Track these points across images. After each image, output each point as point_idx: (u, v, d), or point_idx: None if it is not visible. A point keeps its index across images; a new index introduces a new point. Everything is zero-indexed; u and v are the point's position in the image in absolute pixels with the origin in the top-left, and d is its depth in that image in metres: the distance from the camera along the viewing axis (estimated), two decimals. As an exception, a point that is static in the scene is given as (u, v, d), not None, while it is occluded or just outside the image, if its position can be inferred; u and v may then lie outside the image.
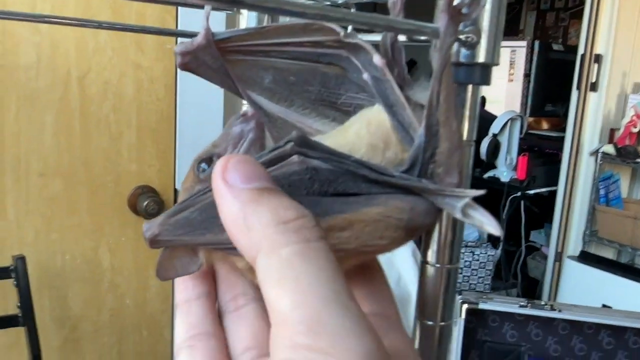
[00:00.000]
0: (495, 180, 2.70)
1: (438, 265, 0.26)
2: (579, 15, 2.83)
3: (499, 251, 2.65)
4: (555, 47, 3.11)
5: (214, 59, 0.27)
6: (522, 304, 0.84)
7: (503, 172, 2.73)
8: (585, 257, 2.37)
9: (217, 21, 0.33)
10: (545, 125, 3.12)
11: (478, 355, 0.88)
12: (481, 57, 0.25)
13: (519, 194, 2.63)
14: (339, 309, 0.19)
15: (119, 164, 1.32)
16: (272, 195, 0.21)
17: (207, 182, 0.25)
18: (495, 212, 2.70)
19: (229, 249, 0.22)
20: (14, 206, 1.24)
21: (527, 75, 3.10)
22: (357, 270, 0.25)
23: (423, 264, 0.27)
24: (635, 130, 2.29)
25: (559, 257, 2.46)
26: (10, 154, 1.22)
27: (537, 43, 3.07)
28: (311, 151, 0.22)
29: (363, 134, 0.26)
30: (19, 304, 1.17)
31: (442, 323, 0.26)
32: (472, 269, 2.60)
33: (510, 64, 3.15)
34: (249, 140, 0.26)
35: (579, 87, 2.38)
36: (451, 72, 0.22)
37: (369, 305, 0.25)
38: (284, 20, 0.30)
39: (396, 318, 0.25)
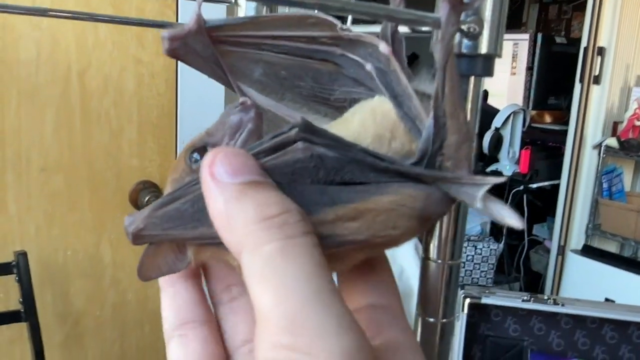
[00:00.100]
0: (497, 174, 2.69)
1: (439, 262, 0.26)
2: (581, 8, 2.81)
3: (501, 245, 2.65)
4: (558, 40, 3.09)
5: (204, 47, 0.26)
6: (524, 298, 0.84)
7: (505, 165, 2.73)
8: (588, 251, 2.37)
9: (217, 15, 0.32)
10: (548, 119, 3.11)
11: (480, 350, 0.88)
12: (483, 48, 0.24)
13: (521, 187, 2.62)
14: (319, 307, 0.18)
15: (120, 159, 1.32)
16: (257, 190, 0.20)
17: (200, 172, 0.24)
18: (497, 206, 2.68)
19: (222, 243, 0.21)
20: (15, 202, 1.24)
21: (529, 69, 3.09)
22: (362, 261, 0.25)
23: (424, 260, 0.27)
24: (638, 123, 2.28)
25: (561, 250, 2.46)
26: (11, 150, 1.22)
27: (539, 36, 3.05)
28: (316, 138, 0.21)
29: (368, 123, 0.25)
30: (21, 300, 1.17)
31: (444, 320, 0.26)
32: (475, 263, 2.60)
33: (513, 57, 3.13)
34: (247, 131, 0.25)
35: (581, 80, 2.37)
36: (455, 63, 0.21)
37: (371, 296, 0.24)
38: (283, 10, 0.29)
39: (399, 310, 0.24)
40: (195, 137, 0.26)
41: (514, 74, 3.16)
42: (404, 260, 1.17)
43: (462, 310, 0.85)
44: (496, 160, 2.74)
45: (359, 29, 0.25)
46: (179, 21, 1.30)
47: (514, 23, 3.76)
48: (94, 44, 1.25)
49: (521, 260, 2.79)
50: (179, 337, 0.25)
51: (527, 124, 2.81)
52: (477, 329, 0.87)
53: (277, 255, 0.19)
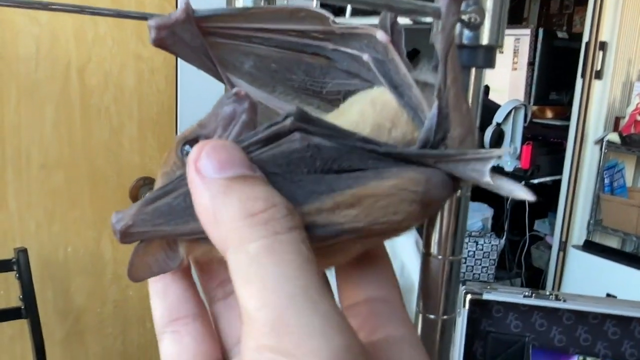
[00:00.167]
0: (499, 170, 2.68)
1: (440, 257, 0.25)
2: (583, 3, 2.80)
3: (502, 241, 2.65)
4: (560, 34, 3.08)
5: (193, 37, 0.25)
6: (526, 294, 0.84)
7: (507, 161, 2.72)
8: (590, 246, 2.36)
9: (216, 5, 0.32)
10: (549, 114, 3.10)
11: (482, 346, 0.88)
12: (485, 39, 0.24)
13: (522, 183, 2.62)
14: (305, 307, 0.18)
15: (120, 156, 1.31)
16: (244, 184, 0.20)
17: None
18: (499, 202, 2.69)
19: None
20: (15, 199, 1.23)
21: (531, 64, 3.07)
22: (360, 253, 0.24)
23: (425, 255, 0.26)
24: (640, 118, 2.27)
25: (563, 246, 2.45)
26: (11, 146, 1.22)
27: (541, 31, 3.04)
28: (312, 127, 0.21)
29: (368, 113, 0.24)
30: (21, 297, 1.17)
31: (445, 317, 0.25)
32: (476, 259, 2.60)
33: (514, 53, 3.12)
34: (241, 122, 0.24)
35: (583, 75, 2.36)
36: (457, 53, 0.21)
37: (370, 290, 0.24)
38: (282, 1, 0.28)
39: (399, 303, 0.24)
40: (187, 128, 0.25)
41: (515, 69, 3.15)
42: (405, 256, 1.17)
43: (464, 306, 0.84)
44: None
45: (358, 21, 0.25)
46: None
47: (515, 18, 3.74)
48: (94, 40, 1.25)
49: (522, 256, 2.79)
50: (171, 333, 0.24)
51: (528, 119, 2.80)
52: (479, 325, 0.87)
53: (262, 254, 0.18)
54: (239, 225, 0.19)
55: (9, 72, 1.19)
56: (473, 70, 0.24)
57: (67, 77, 1.24)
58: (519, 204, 2.68)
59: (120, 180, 1.32)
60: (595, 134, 2.38)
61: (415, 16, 0.27)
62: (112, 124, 1.29)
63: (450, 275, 0.25)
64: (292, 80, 0.26)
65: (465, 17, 0.24)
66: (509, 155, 2.73)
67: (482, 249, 2.59)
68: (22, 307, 1.17)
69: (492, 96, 2.96)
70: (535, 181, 2.66)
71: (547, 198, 2.73)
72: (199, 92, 1.32)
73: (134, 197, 1.33)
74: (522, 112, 2.74)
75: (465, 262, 2.58)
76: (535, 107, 3.05)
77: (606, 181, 2.37)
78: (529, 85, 3.11)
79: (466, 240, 2.59)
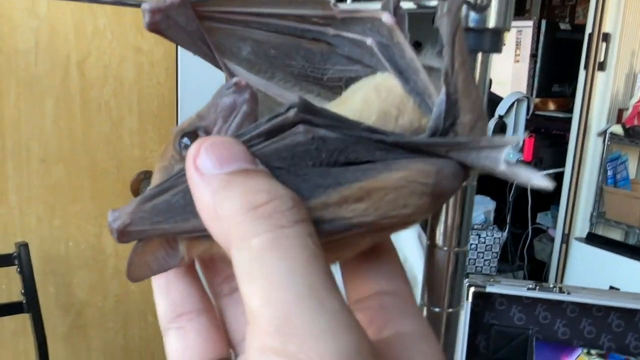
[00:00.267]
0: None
1: (446, 249, 0.24)
2: (586, -6, 2.78)
3: (505, 234, 2.64)
4: (563, 26, 3.06)
5: (189, 21, 0.24)
6: (530, 286, 0.83)
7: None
8: (593, 239, 2.35)
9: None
10: (551, 106, 3.08)
11: (485, 339, 0.87)
12: (492, 22, 0.23)
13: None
14: (312, 306, 0.17)
15: (120, 150, 1.31)
16: (244, 178, 0.19)
17: None
18: (501, 195, 2.68)
19: None
20: (16, 193, 1.23)
21: (533, 56, 3.05)
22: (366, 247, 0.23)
23: (430, 247, 0.25)
24: (644, 110, 2.26)
25: (566, 238, 2.45)
26: (11, 141, 1.21)
27: (543, 22, 3.02)
28: (316, 118, 0.20)
29: (372, 100, 0.23)
30: (22, 291, 1.16)
31: (450, 310, 0.25)
32: (478, 252, 2.59)
33: (517, 45, 3.10)
34: (242, 113, 0.23)
35: (586, 67, 2.34)
36: (464, 36, 0.20)
37: (378, 283, 0.23)
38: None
39: (408, 296, 0.23)
40: (185, 120, 0.24)
41: (518, 61, 3.13)
42: (407, 249, 1.16)
43: (467, 299, 0.84)
44: (500, 149, 2.72)
45: (360, 5, 0.24)
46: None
47: (517, 10, 3.72)
48: (93, 33, 1.24)
49: (525, 249, 2.78)
50: (176, 329, 0.24)
51: (531, 111, 2.79)
52: (482, 318, 0.86)
53: (266, 249, 0.17)
54: (242, 220, 0.18)
55: (8, 66, 1.19)
56: (480, 54, 0.23)
57: (67, 71, 1.23)
58: (522, 196, 2.67)
59: (121, 174, 1.32)
60: (598, 126, 2.37)
61: (420, -1, 0.26)
62: (112, 117, 1.29)
63: (456, 267, 0.24)
64: (291, 67, 0.26)
65: (471, -1, 0.23)
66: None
67: (484, 242, 2.59)
68: (24, 302, 1.17)
69: (495, 88, 2.94)
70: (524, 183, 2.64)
71: (549, 190, 2.72)
72: (200, 84, 1.32)
73: (135, 191, 1.33)
74: (524, 105, 2.73)
75: (467, 255, 2.57)
76: (537, 99, 3.03)
77: (609, 173, 2.36)
78: (531, 77, 3.10)
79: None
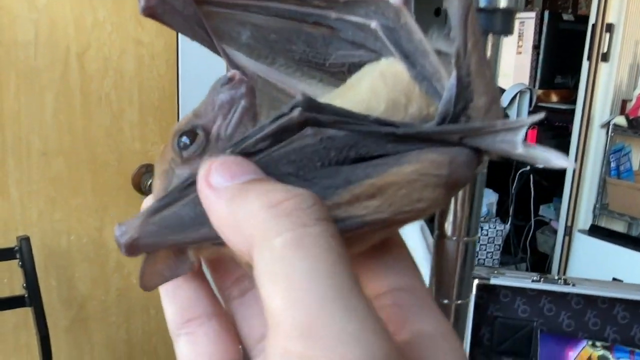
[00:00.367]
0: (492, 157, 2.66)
1: (455, 239, 0.24)
2: (589, -16, 2.76)
3: (507, 226, 2.63)
4: (565, 17, 3.04)
5: (185, 5, 0.24)
6: (534, 278, 0.83)
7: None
8: (596, 231, 2.35)
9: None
10: (554, 98, 3.07)
11: (489, 331, 0.87)
12: (503, 2, 0.22)
13: (528, 168, 2.60)
14: (338, 309, 0.16)
15: (121, 143, 1.30)
16: (258, 182, 0.18)
17: (192, 162, 0.22)
18: (504, 187, 2.67)
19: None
20: (17, 187, 1.23)
21: (536, 47, 3.04)
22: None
23: (439, 237, 0.25)
24: (647, 101, 2.24)
25: (568, 230, 2.44)
26: (11, 134, 1.20)
27: (546, 13, 3.00)
28: (322, 115, 0.19)
29: (379, 88, 0.22)
30: (24, 285, 1.16)
31: (459, 301, 0.24)
32: (481, 244, 2.59)
33: (519, 36, 3.08)
34: (240, 109, 0.22)
35: (589, 58, 2.33)
36: (476, 16, 0.19)
37: (391, 279, 0.21)
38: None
39: (424, 291, 0.22)
40: (182, 119, 0.23)
41: (520, 53, 3.11)
42: (410, 241, 1.15)
43: (471, 291, 0.83)
44: (502, 141, 2.71)
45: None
46: None
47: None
48: (93, 25, 1.23)
49: (527, 241, 2.78)
50: (186, 335, 0.23)
51: (533, 103, 2.77)
52: (486, 310, 0.86)
53: (289, 248, 0.17)
54: (262, 219, 0.17)
55: (7, 59, 1.18)
56: (490, 36, 0.22)
57: (67, 63, 1.22)
58: (524, 188, 2.66)
59: (122, 167, 1.31)
60: (601, 118, 2.36)
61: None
62: (112, 110, 1.28)
63: (465, 257, 0.23)
64: (292, 52, 0.25)
65: (482, -21, 0.22)
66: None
67: (487, 234, 2.59)
68: (26, 296, 1.16)
69: (497, 81, 2.92)
70: (541, 166, 2.64)
71: (552, 183, 2.71)
72: (201, 76, 1.31)
73: (137, 185, 1.32)
74: (527, 96, 2.71)
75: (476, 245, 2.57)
76: (540, 91, 3.02)
77: (612, 165, 2.35)
78: (534, 68, 3.08)
79: (471, 225, 2.58)
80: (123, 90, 1.28)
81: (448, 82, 0.20)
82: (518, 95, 2.68)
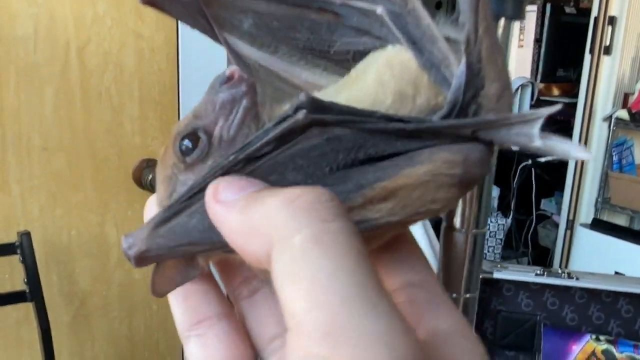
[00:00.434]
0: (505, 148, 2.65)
1: (463, 231, 0.23)
2: (592, -23, 2.74)
3: (509, 220, 2.63)
4: (568, 10, 3.02)
5: None
6: (538, 272, 0.82)
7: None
8: (598, 225, 2.34)
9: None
10: (556, 92, 3.06)
11: (492, 325, 0.87)
12: (514, -14, 0.21)
13: (529, 162, 2.59)
14: (363, 309, 0.15)
15: (122, 137, 1.30)
16: (270, 189, 0.18)
17: (196, 168, 0.21)
18: (505, 181, 2.66)
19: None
20: (18, 182, 1.22)
21: (537, 41, 3.02)
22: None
23: (447, 229, 0.24)
24: (650, 94, 2.23)
25: (570, 224, 2.44)
26: (11, 130, 1.20)
27: (548, 6, 2.99)
28: (328, 115, 0.18)
29: (386, 79, 0.21)
30: (25, 280, 1.16)
31: (467, 295, 0.23)
32: (483, 239, 2.59)
33: (520, 30, 3.06)
34: (242, 109, 0.21)
35: (591, 51, 2.31)
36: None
37: (403, 274, 0.21)
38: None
39: (437, 286, 0.21)
40: (181, 122, 0.22)
41: (522, 46, 3.10)
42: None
43: (479, 284, 0.83)
44: (504, 135, 2.70)
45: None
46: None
47: (521, -6, 3.67)
48: (93, 20, 1.22)
49: (529, 235, 2.77)
50: (196, 337, 0.22)
51: (535, 97, 2.76)
52: (489, 304, 0.86)
53: (310, 246, 0.16)
54: (280, 217, 0.16)
55: (7, 54, 1.17)
56: (502, 21, 0.22)
57: (67, 58, 1.22)
58: (526, 182, 2.66)
59: (122, 162, 1.30)
60: (603, 111, 2.35)
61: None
62: (112, 104, 1.27)
63: (474, 249, 0.23)
64: (296, 40, 0.24)
65: (491, -37, 0.21)
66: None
67: (488, 229, 2.58)
68: (27, 291, 1.16)
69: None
70: (542, 159, 2.64)
71: (553, 177, 2.71)
72: (201, 70, 1.30)
73: (137, 179, 1.32)
74: (528, 90, 2.70)
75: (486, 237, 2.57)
76: (542, 85, 3.01)
77: (615, 158, 2.34)
78: (535, 62, 3.07)
79: (472, 219, 2.58)
80: (123, 85, 1.27)
81: (457, 69, 0.19)
82: (520, 89, 2.67)
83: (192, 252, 0.21)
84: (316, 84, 0.25)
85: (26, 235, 1.15)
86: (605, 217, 2.42)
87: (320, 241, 0.16)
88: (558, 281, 0.82)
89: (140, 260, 0.21)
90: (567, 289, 0.83)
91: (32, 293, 1.16)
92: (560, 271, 0.82)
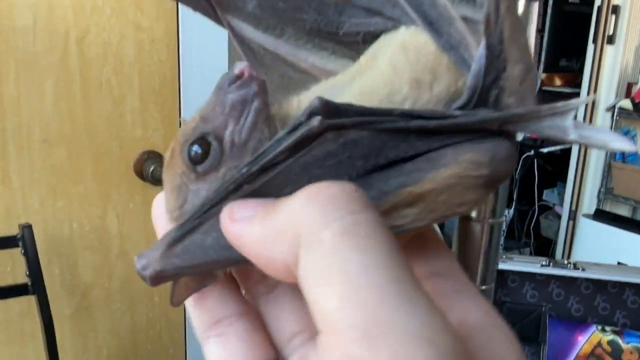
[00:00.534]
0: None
1: (479, 221, 0.22)
2: (595, -35, 2.71)
3: (511, 211, 2.63)
4: (570, -1, 3.00)
5: None
6: (543, 263, 0.81)
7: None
8: (600, 215, 2.34)
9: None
10: (558, 82, 3.04)
11: (497, 317, 0.86)
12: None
13: (532, 152, 2.58)
14: (402, 305, 0.14)
15: (122, 129, 1.29)
16: (287, 197, 0.17)
17: (208, 176, 0.20)
18: (507, 172, 2.66)
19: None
20: (18, 174, 1.21)
21: (540, 30, 3.00)
22: None
23: (462, 219, 0.23)
24: (653, 83, 2.22)
25: (573, 215, 2.43)
26: (12, 121, 1.19)
27: (551, -4, 2.96)
28: (343, 119, 0.17)
29: (401, 65, 0.20)
30: (27, 273, 1.15)
31: (483, 287, 0.23)
32: (485, 230, 2.59)
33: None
34: (254, 110, 0.20)
35: (595, 41, 2.30)
36: None
37: (428, 263, 0.19)
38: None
39: (462, 276, 0.20)
40: (186, 126, 0.21)
41: (524, 36, 3.08)
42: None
43: (495, 276, 0.82)
44: (506, 125, 2.69)
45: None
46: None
47: (523, -17, 3.65)
48: (92, 9, 1.21)
49: (531, 226, 2.77)
50: (215, 337, 0.21)
51: (537, 87, 2.75)
52: (494, 295, 0.85)
53: (340, 240, 0.15)
54: (304, 214, 0.15)
55: (6, 45, 1.16)
56: (521, 1, 0.21)
57: (66, 49, 1.21)
58: (528, 173, 2.65)
59: (123, 154, 1.30)
60: (606, 101, 2.33)
61: None
62: (113, 96, 1.26)
63: (490, 240, 0.22)
64: (302, 21, 0.23)
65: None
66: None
67: (490, 220, 2.58)
68: (29, 284, 1.16)
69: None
70: (545, 150, 2.63)
71: (556, 167, 2.70)
72: (202, 61, 1.29)
73: (138, 171, 1.31)
74: (531, 80, 2.68)
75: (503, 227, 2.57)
76: (544, 75, 2.99)
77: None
78: (538, 52, 3.05)
79: (474, 210, 2.57)
80: (123, 76, 1.26)
81: (477, 52, 0.18)
82: (522, 79, 2.66)
83: (209, 269, 0.20)
84: (324, 68, 0.24)
85: (27, 228, 1.15)
86: (608, 207, 2.41)
87: (351, 234, 0.15)
88: (564, 272, 0.81)
89: (156, 280, 0.20)
90: (573, 279, 0.82)
91: (34, 286, 1.15)
92: (566, 262, 0.82)
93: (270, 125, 0.20)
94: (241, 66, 0.20)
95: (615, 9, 2.24)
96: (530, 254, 2.76)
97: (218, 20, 0.23)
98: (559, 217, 2.60)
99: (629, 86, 2.32)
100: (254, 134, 0.20)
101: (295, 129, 0.17)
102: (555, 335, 0.81)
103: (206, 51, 1.24)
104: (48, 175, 1.24)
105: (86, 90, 1.24)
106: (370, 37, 0.22)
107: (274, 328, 0.22)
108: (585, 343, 0.80)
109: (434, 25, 0.19)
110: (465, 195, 0.18)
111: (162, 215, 0.21)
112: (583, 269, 0.81)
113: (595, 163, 2.39)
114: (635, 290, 0.83)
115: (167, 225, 0.21)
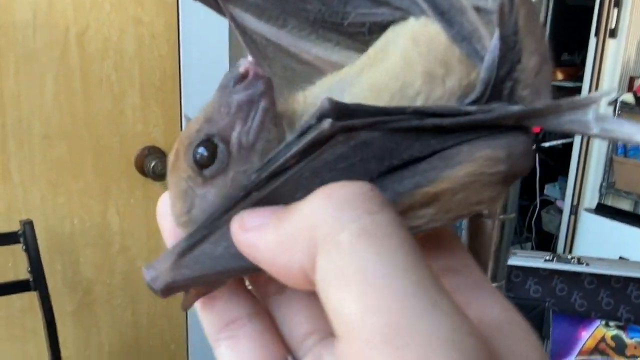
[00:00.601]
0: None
1: (490, 217, 0.22)
2: (597, -42, 2.70)
3: (513, 205, 2.62)
4: (572, -8, 2.99)
5: None
6: (547, 258, 0.81)
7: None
8: (602, 209, 2.33)
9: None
10: (560, 76, 3.03)
11: (500, 312, 0.86)
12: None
13: (533, 147, 2.58)
14: (425, 309, 0.13)
15: (123, 125, 1.28)
16: (298, 202, 0.16)
17: (216, 181, 0.19)
18: (509, 166, 2.65)
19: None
20: (19, 170, 1.21)
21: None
22: None
23: (473, 217, 0.23)
24: (656, 77, 2.21)
25: (574, 209, 2.43)
26: (12, 117, 1.19)
27: (552, -11, 2.95)
28: (355, 121, 0.17)
29: (413, 57, 0.19)
30: (29, 269, 1.15)
31: (494, 284, 0.22)
32: (486, 224, 2.58)
33: (524, 13, 3.03)
34: (261, 110, 0.19)
35: (597, 34, 2.29)
36: None
37: (443, 259, 0.19)
38: None
39: (478, 272, 0.19)
40: (189, 127, 0.20)
41: (525, 30, 3.07)
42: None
43: (506, 273, 0.82)
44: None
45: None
46: (179, -22, 1.24)
47: (525, -23, 3.63)
48: (92, 4, 1.20)
49: (533, 221, 2.77)
50: (227, 339, 0.21)
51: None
52: (497, 290, 0.85)
53: (358, 242, 0.14)
54: (320, 216, 0.15)
55: (5, 40, 1.15)
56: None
57: (66, 44, 1.20)
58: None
59: (124, 150, 1.29)
60: (608, 95, 2.33)
61: None
62: (113, 92, 1.26)
63: (501, 236, 0.22)
64: (306, 12, 0.22)
65: None
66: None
67: (492, 214, 2.58)
68: (31, 280, 1.16)
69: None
70: (547, 144, 2.62)
71: (557, 161, 2.69)
72: (203, 56, 1.28)
73: (139, 167, 1.31)
74: (532, 74, 2.68)
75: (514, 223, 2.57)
76: (546, 69, 2.98)
77: (619, 143, 2.32)
78: (539, 46, 3.04)
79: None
80: (124, 72, 1.26)
81: (490, 43, 0.17)
82: (523, 73, 2.65)
83: (220, 278, 0.20)
84: (328, 60, 0.23)
85: (29, 224, 1.15)
86: (610, 201, 2.41)
87: (369, 235, 0.14)
88: (567, 267, 0.81)
89: (167, 292, 0.20)
90: (577, 274, 0.82)
91: (36, 282, 1.15)
92: (569, 257, 0.81)
93: (277, 124, 0.19)
94: (246, 64, 0.19)
95: (618, 2, 2.23)
96: (532, 248, 2.75)
97: (220, 10, 0.23)
98: (560, 211, 2.60)
99: (631, 80, 2.31)
100: (262, 135, 0.19)
101: (304, 132, 0.17)
102: (559, 330, 0.81)
103: (207, 46, 1.23)
104: (48, 171, 1.24)
105: (86, 85, 1.23)
106: (377, 28, 0.22)
107: (286, 328, 0.21)
108: (589, 338, 0.80)
109: (445, 15, 0.19)
110: (482, 194, 0.18)
111: (167, 213, 0.21)
112: (587, 264, 0.80)
113: (597, 157, 2.38)
114: (639, 286, 0.83)
115: (173, 224, 0.20)
